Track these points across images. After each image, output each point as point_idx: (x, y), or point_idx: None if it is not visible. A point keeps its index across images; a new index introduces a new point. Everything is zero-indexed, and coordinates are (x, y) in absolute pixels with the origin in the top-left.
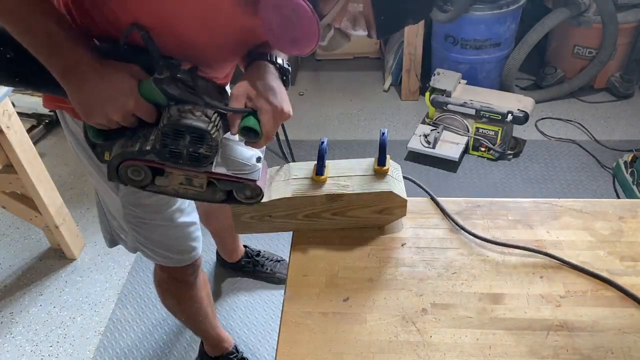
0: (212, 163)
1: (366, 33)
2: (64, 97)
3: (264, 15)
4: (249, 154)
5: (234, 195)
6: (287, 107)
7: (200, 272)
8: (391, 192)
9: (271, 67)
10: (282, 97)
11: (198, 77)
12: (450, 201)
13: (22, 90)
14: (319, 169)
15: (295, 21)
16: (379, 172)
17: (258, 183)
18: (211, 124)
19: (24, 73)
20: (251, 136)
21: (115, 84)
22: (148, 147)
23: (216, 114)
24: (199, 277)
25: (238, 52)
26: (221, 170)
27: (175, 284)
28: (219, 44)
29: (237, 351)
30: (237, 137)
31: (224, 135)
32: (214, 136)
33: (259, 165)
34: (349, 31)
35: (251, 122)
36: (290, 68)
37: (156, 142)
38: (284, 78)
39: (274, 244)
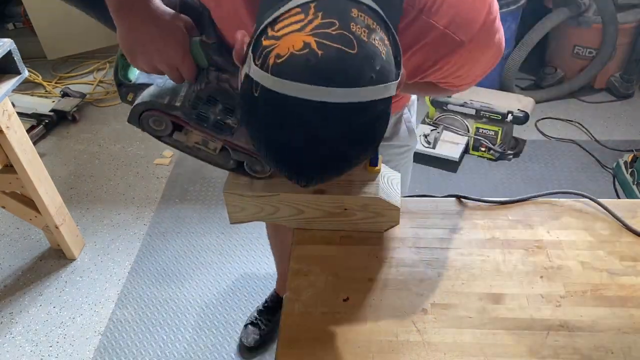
0: (232, 134)
1: None
2: (114, 30)
3: None
4: None
5: (244, 167)
6: None
7: None
8: (379, 198)
9: None
10: None
11: None
12: (451, 201)
13: (80, 8)
14: None
15: None
16: (371, 172)
17: None
18: None
19: None
20: None
21: (169, 36)
22: (177, 104)
23: None
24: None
25: None
26: (240, 142)
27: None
28: None
29: None
30: None
31: None
32: None
33: None
34: None
35: None
36: None
37: (186, 100)
38: None
39: None
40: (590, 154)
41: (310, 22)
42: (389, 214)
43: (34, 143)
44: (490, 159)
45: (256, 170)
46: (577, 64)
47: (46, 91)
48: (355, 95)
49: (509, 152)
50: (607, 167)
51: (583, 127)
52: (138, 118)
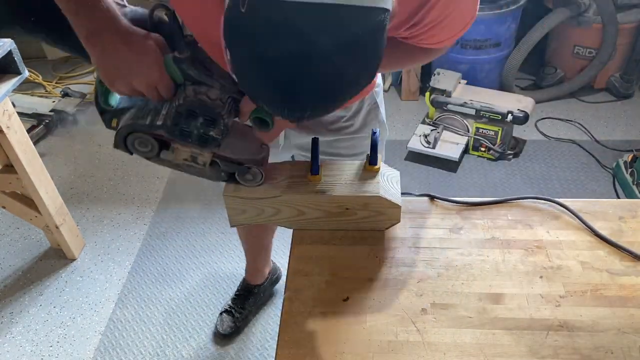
0: (219, 145)
1: None
2: (87, 61)
3: None
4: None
5: (235, 177)
6: None
7: None
8: (380, 196)
9: None
10: None
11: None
12: (451, 201)
13: (50, 44)
14: (314, 168)
15: None
16: (371, 170)
17: (260, 168)
18: (225, 109)
19: (50, 28)
20: (262, 126)
21: (142, 56)
22: (159, 122)
23: (230, 99)
24: None
25: None
26: (227, 152)
27: None
28: None
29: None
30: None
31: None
32: (226, 120)
33: (262, 151)
34: None
35: (263, 112)
36: None
37: (167, 118)
38: None
39: (274, 244)
40: (590, 154)
41: None
42: (390, 212)
43: (34, 143)
44: (490, 159)
45: (247, 179)
46: (577, 64)
47: (46, 91)
48: None
49: (509, 152)
50: (607, 167)
51: (583, 127)
52: (124, 142)
